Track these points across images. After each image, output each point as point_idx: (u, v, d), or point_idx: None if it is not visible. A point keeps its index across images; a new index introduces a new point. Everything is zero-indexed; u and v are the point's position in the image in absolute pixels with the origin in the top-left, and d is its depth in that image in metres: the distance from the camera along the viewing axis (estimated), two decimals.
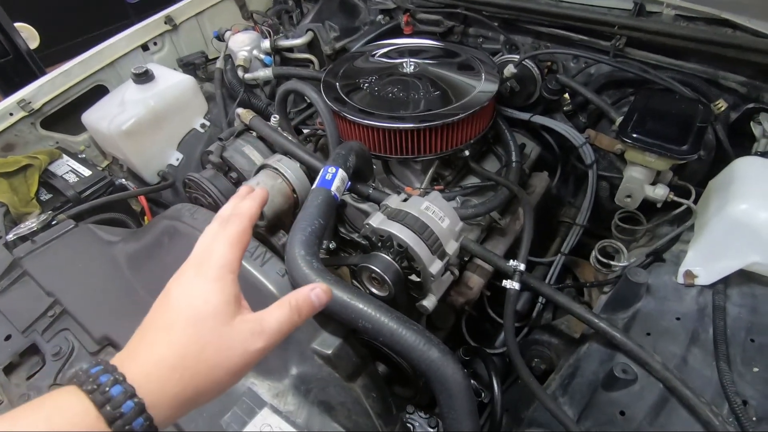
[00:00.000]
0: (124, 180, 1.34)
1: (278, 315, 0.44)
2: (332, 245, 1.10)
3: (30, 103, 1.32)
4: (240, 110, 1.10)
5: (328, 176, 0.83)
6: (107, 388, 0.35)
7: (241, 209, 0.50)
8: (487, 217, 1.12)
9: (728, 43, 1.05)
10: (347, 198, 1.11)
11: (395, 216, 0.82)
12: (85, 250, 0.92)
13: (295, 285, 0.67)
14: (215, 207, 1.03)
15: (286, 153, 1.00)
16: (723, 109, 1.09)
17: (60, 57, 3.56)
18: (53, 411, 0.34)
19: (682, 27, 1.12)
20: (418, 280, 0.80)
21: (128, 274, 0.87)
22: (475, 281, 1.09)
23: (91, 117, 1.37)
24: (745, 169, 0.89)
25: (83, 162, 1.32)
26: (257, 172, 0.98)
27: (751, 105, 1.06)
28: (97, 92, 1.47)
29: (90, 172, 1.28)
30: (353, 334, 0.74)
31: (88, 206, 1.13)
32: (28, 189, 1.21)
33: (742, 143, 1.14)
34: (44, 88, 1.34)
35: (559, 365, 1.04)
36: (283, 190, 0.94)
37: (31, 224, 0.98)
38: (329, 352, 0.69)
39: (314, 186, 0.82)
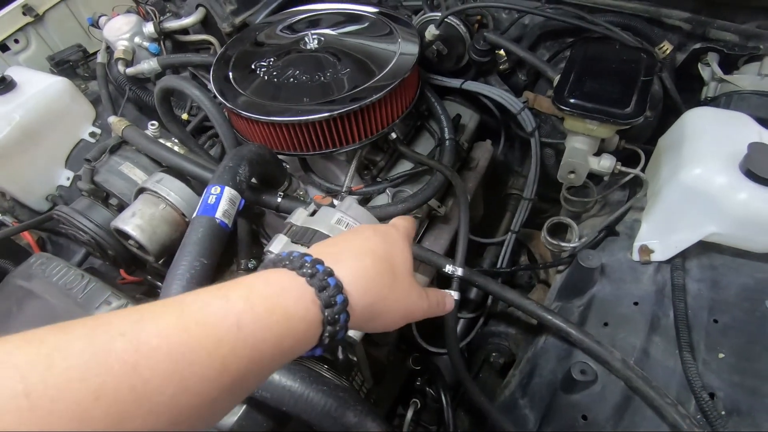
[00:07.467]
0: (1, 215, 1.13)
1: (435, 295, 0.49)
2: (252, 264, 0.96)
3: None
4: (112, 119, 0.91)
5: (211, 200, 0.67)
6: (325, 278, 0.35)
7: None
8: (425, 206, 1.00)
9: None
10: None
11: (301, 237, 0.68)
12: None
13: None
14: (95, 244, 0.85)
15: (171, 167, 0.82)
16: (668, 52, 0.97)
17: None
18: (268, 290, 0.33)
19: None
20: None
21: None
22: (420, 280, 0.98)
23: None
24: (696, 124, 0.78)
25: None
26: (136, 197, 0.81)
27: (697, 45, 0.95)
28: None
29: None
30: None
31: None
32: None
33: (690, 87, 1.05)
34: None
35: (518, 359, 0.96)
36: (169, 217, 0.78)
37: None
38: (231, 425, 0.57)
39: (194, 215, 0.66)
